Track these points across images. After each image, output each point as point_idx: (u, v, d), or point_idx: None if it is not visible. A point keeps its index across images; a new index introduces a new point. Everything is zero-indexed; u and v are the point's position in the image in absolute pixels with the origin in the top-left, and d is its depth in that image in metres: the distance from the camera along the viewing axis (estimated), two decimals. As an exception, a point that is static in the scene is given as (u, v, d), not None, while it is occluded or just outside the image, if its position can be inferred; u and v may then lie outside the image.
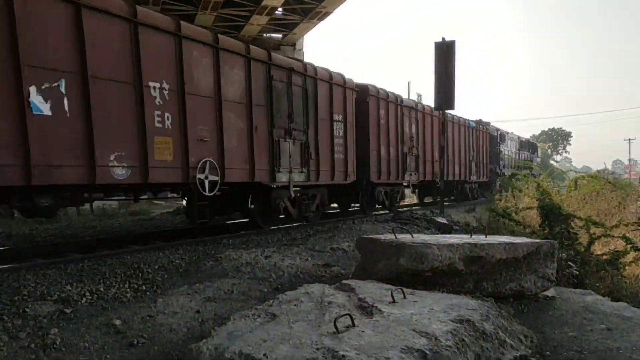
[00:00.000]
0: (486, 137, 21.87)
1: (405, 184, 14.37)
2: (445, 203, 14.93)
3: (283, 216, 9.95)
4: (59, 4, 5.84)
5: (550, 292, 4.75)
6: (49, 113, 5.76)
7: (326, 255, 6.70)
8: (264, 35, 21.43)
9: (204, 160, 7.60)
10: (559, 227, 7.60)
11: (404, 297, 3.55)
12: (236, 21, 19.36)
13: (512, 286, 4.47)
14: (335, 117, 10.78)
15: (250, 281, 5.08)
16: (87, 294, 4.46)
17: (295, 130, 9.50)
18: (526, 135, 33.96)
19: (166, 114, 7.09)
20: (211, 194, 7.74)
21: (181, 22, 7.32)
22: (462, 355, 2.71)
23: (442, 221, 10.57)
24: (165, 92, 7.07)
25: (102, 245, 7.69)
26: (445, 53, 11.91)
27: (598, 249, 7.64)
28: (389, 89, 13.08)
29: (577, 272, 6.08)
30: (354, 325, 2.88)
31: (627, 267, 7.01)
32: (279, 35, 21.71)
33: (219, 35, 7.98)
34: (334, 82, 10.76)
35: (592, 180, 13.93)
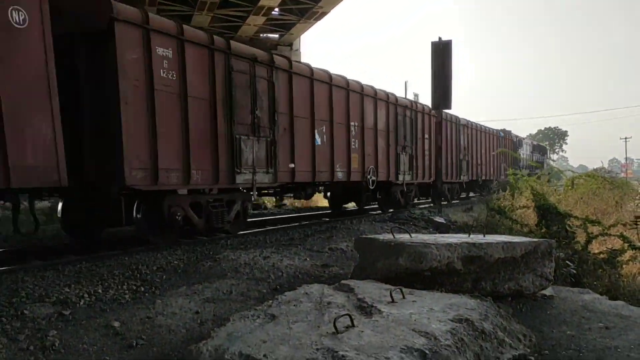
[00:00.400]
0: (510, 143, 26.57)
1: (460, 181, 18.98)
2: (474, 197, 17.19)
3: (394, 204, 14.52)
4: (323, 85, 10.51)
5: (548, 291, 4.76)
6: (320, 143, 10.39)
7: (324, 256, 6.70)
8: (261, 35, 21.44)
9: (370, 167, 12.20)
10: (556, 227, 7.61)
11: (403, 297, 3.55)
12: (233, 22, 19.36)
13: (510, 285, 4.48)
14: (425, 136, 15.59)
15: (249, 282, 5.08)
16: (86, 295, 4.46)
17: (407, 146, 14.28)
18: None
19: (356, 140, 11.72)
20: (372, 187, 12.34)
21: (362, 85, 12.05)
22: (461, 355, 2.72)
23: (440, 221, 10.59)
24: (356, 127, 11.72)
25: (100, 246, 7.66)
26: (441, 52, 11.94)
27: (595, 247, 7.65)
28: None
29: (575, 271, 6.09)
30: (353, 325, 2.89)
31: (624, 266, 7.02)
32: (276, 36, 21.72)
33: (377, 90, 12.65)
34: (425, 112, 15.51)
35: (589, 179, 13.97)
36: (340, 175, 11.10)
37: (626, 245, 6.99)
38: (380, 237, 5.01)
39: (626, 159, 77.44)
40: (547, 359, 3.31)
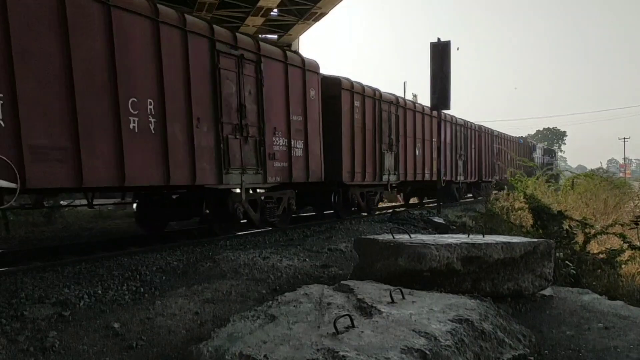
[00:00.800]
0: (527, 149, 31.48)
1: (493, 180, 23.06)
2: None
3: (457, 195, 19.39)
4: (419, 114, 15.01)
5: (547, 292, 4.77)
6: (418, 154, 14.83)
7: (324, 256, 6.70)
8: (260, 36, 21.42)
9: (442, 170, 15.13)
10: (556, 227, 7.60)
11: (403, 298, 3.56)
12: (232, 22, 19.34)
13: (510, 286, 4.49)
14: (473, 146, 20.29)
15: (249, 282, 5.08)
16: (85, 296, 4.46)
17: (462, 154, 18.86)
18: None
19: (435, 151, 15.08)
20: (444, 185, 15.05)
21: (437, 112, 16.01)
22: (461, 355, 2.73)
23: (439, 221, 10.59)
24: (435, 142, 15.17)
25: (99, 247, 7.67)
26: (440, 53, 11.93)
27: (595, 248, 7.65)
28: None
29: (574, 272, 6.09)
30: (353, 325, 2.89)
31: (623, 266, 7.02)
32: (275, 36, 21.71)
33: (445, 114, 16.12)
34: (474, 129, 20.46)
35: (588, 179, 13.99)
36: (427, 176, 15.59)
37: (625, 245, 6.98)
38: (380, 237, 5.00)
39: (624, 159, 77.59)
40: (547, 359, 3.31)
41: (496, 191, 17.48)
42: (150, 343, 3.45)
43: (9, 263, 6.37)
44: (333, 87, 11.02)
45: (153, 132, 6.63)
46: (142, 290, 4.80)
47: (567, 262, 6.23)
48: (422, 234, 7.96)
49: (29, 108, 5.27)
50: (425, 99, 22.40)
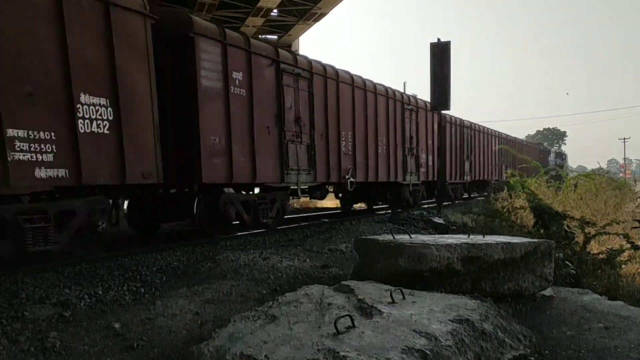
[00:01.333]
0: (545, 153, 37.41)
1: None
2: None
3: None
4: (479, 132, 21.64)
5: (548, 292, 4.77)
6: (482, 161, 21.92)
7: (324, 257, 6.70)
8: (260, 36, 21.43)
9: (492, 171, 22.94)
10: (556, 227, 7.60)
11: (403, 298, 3.56)
12: (232, 23, 19.36)
13: (510, 286, 4.49)
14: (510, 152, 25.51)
15: (249, 283, 5.09)
16: (86, 297, 4.45)
17: (505, 160, 24.21)
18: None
19: (489, 158, 22.83)
20: (495, 182, 22.07)
21: (486, 127, 23.08)
22: (462, 355, 2.73)
23: (438, 222, 10.59)
24: (490, 153, 22.89)
25: (99, 247, 7.65)
26: (440, 54, 11.94)
27: (595, 248, 7.66)
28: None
29: (575, 272, 6.10)
30: (354, 326, 2.89)
31: (623, 266, 7.02)
32: (275, 37, 21.73)
33: (489, 128, 22.88)
34: (509, 139, 25.95)
35: (588, 180, 14.00)
36: (485, 176, 21.38)
37: (625, 245, 6.98)
38: (380, 238, 5.01)
39: (625, 159, 77.66)
40: (548, 359, 3.32)
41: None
42: (151, 343, 3.45)
43: (9, 263, 6.36)
44: (442, 120, 15.75)
45: (385, 154, 13.21)
46: (142, 290, 4.79)
47: (567, 262, 6.23)
48: (422, 234, 7.96)
49: (358, 145, 11.85)
50: (424, 98, 22.65)
